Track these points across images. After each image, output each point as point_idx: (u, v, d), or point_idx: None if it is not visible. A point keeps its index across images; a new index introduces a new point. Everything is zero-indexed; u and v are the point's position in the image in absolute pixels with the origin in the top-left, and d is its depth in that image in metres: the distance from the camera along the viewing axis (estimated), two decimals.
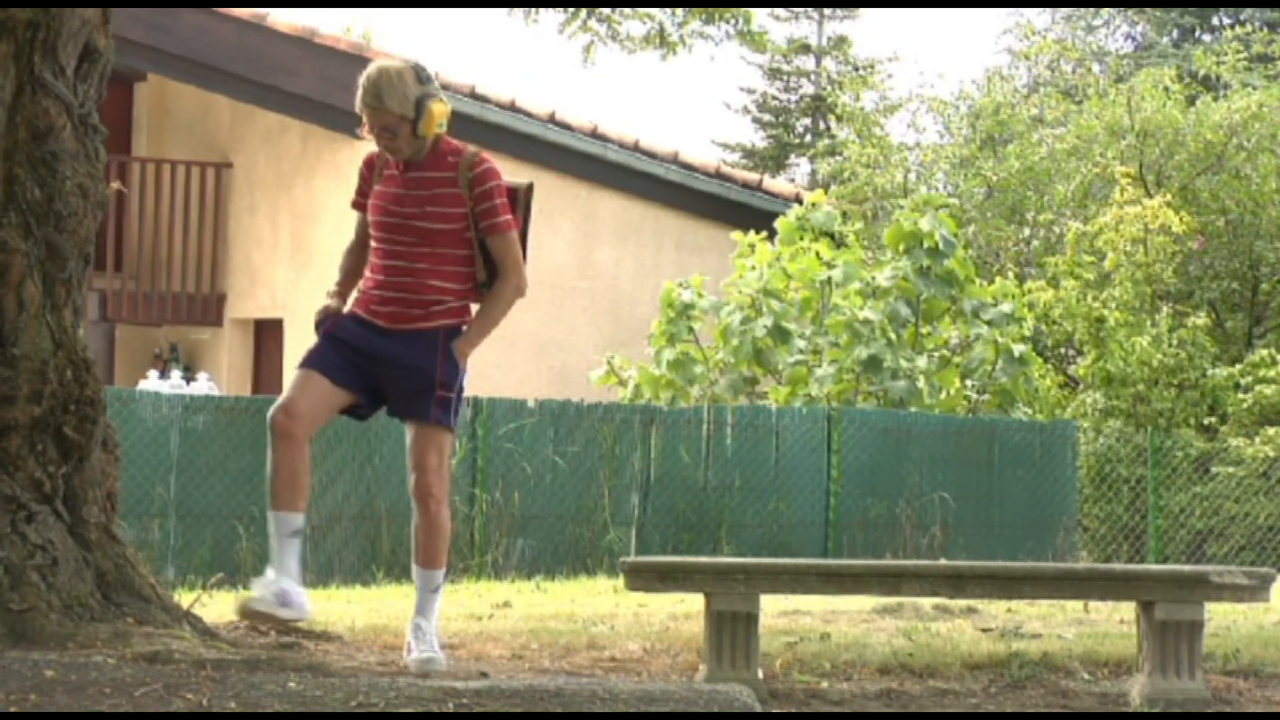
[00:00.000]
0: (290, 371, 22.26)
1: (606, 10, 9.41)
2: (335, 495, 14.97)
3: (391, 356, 7.02)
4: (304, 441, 6.93)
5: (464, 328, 7.09)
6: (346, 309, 7.17)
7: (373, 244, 7.11)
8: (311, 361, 7.05)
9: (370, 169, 7.19)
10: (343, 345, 7.05)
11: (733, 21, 9.50)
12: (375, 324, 7.04)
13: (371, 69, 7.02)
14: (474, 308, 7.15)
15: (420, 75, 7.02)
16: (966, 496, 17.22)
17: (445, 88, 19.58)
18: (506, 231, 7.07)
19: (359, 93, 6.98)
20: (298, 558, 6.99)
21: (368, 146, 7.23)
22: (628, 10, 9.45)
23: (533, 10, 9.47)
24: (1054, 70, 27.78)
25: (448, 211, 7.01)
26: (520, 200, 7.20)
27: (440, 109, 6.99)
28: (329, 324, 7.10)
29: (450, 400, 7.06)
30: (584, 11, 9.42)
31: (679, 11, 9.46)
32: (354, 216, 7.33)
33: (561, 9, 9.41)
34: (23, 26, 6.83)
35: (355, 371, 7.03)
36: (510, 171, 7.28)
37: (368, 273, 7.13)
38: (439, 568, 7.11)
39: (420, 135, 6.98)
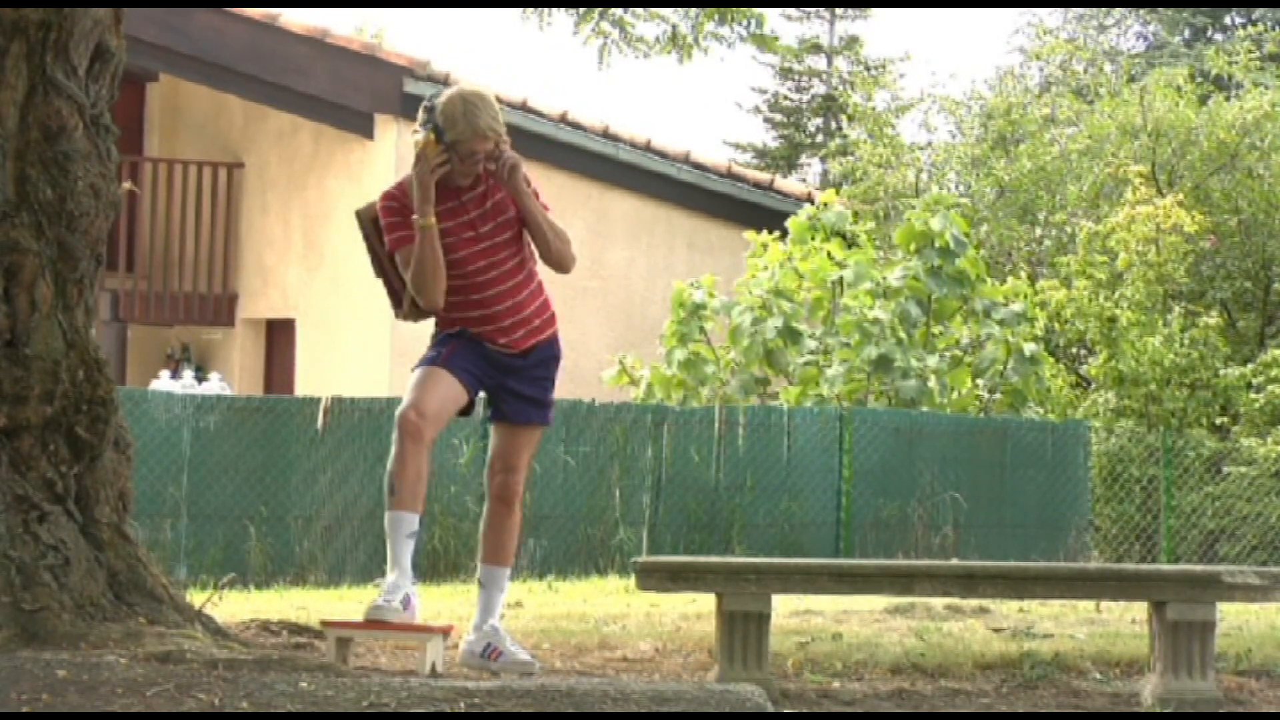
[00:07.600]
0: (302, 371, 22.25)
1: (618, 12, 9.38)
2: (346, 494, 14.97)
3: (521, 368, 7.05)
4: (431, 443, 6.90)
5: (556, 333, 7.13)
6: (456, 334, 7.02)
7: (457, 280, 6.93)
8: (440, 360, 6.96)
9: (404, 207, 6.93)
10: (470, 351, 6.99)
11: (745, 24, 9.47)
12: (507, 350, 6.99)
13: (473, 95, 6.86)
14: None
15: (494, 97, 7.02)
16: (978, 496, 17.21)
17: None
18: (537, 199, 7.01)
19: (472, 120, 6.79)
20: (411, 557, 6.94)
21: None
22: (640, 12, 9.42)
23: (545, 14, 9.44)
24: (1066, 70, 27.73)
25: (510, 216, 6.99)
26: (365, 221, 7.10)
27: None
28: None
29: (553, 402, 7.20)
30: (595, 14, 9.39)
31: (692, 13, 9.44)
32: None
33: (573, 9, 9.38)
34: (35, 26, 6.84)
35: (478, 375, 7.00)
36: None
37: (463, 308, 6.96)
38: (510, 564, 7.11)
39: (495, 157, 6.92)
